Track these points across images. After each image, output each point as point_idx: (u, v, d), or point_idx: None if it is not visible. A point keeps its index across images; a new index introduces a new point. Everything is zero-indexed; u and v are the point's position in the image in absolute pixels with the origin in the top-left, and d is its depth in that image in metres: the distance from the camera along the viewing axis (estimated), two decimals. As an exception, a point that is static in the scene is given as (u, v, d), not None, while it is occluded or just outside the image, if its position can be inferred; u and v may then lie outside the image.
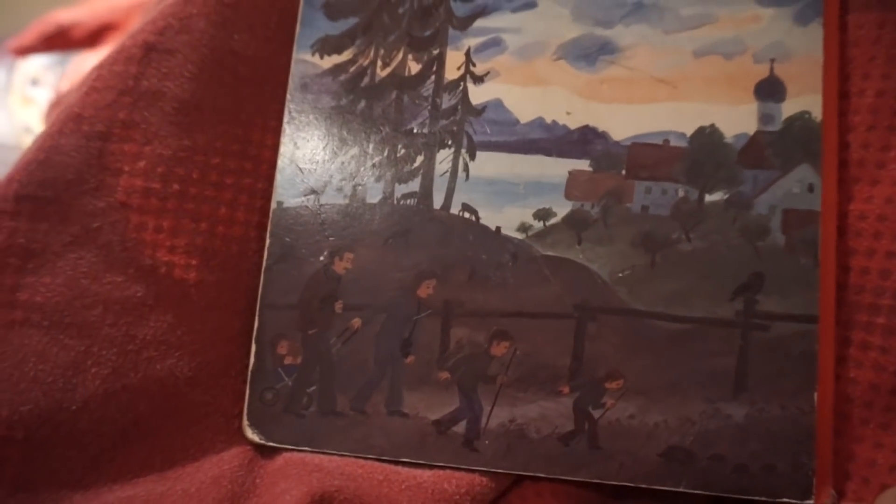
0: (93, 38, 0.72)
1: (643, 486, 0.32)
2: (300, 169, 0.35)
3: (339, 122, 0.36)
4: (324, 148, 0.35)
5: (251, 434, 0.33)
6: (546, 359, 0.33)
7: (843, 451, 0.32)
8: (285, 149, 0.35)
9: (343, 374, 0.34)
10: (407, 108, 0.36)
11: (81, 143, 0.33)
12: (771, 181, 0.34)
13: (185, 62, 0.34)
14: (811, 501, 0.31)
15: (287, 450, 0.33)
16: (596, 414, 0.33)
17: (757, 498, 0.32)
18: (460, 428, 0.33)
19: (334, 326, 0.34)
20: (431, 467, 0.33)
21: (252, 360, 0.34)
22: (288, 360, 0.34)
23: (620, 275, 0.33)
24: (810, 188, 0.33)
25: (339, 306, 0.34)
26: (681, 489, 0.32)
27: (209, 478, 0.31)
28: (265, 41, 0.36)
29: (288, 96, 0.36)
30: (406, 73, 0.36)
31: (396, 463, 0.33)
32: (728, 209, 0.34)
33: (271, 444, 0.33)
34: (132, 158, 0.33)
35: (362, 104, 0.36)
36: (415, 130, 0.35)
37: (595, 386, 0.33)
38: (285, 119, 0.36)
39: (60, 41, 0.73)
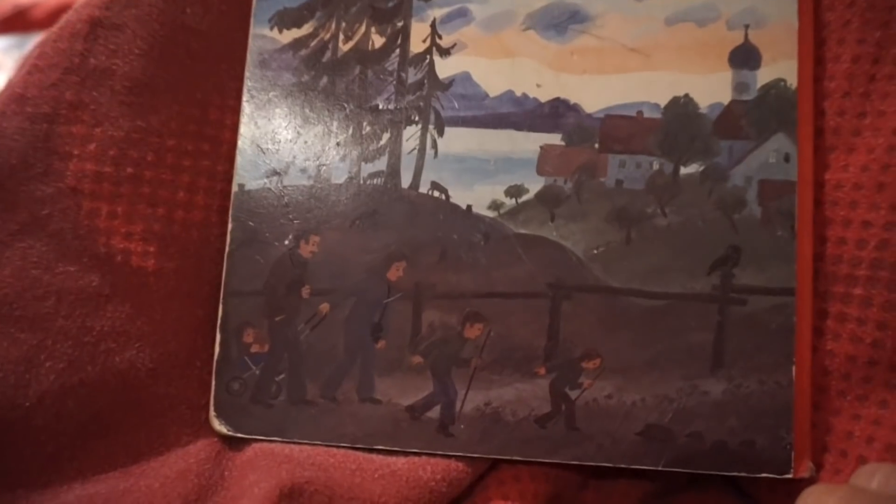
0: (53, 18, 0.69)
1: (622, 465, 0.31)
2: (261, 149, 0.34)
3: (301, 100, 0.34)
4: (286, 127, 0.34)
5: (218, 425, 0.32)
6: (521, 340, 0.32)
7: (821, 423, 0.32)
8: (245, 129, 0.34)
9: (312, 362, 0.32)
10: (371, 83, 0.34)
11: (25, 125, 0.31)
12: (746, 152, 0.33)
13: (135, 38, 0.32)
14: (790, 475, 0.31)
15: (256, 440, 0.32)
16: (573, 395, 0.32)
17: (736, 474, 0.31)
18: (434, 413, 0.32)
19: (302, 312, 0.33)
20: (406, 454, 0.32)
21: (217, 349, 0.33)
22: (255, 349, 0.33)
23: (595, 252, 0.33)
24: (786, 158, 0.33)
25: (306, 291, 0.33)
26: (660, 468, 0.31)
27: (175, 472, 0.30)
28: (220, 15, 0.34)
29: (246, 73, 0.34)
30: (369, 47, 0.34)
31: (370, 451, 0.32)
32: (704, 182, 0.33)
33: (240, 435, 0.32)
34: (82, 141, 0.31)
35: (325, 80, 0.34)
36: (380, 107, 0.34)
37: (572, 366, 0.32)
38: (244, 97, 0.34)
39: (19, 23, 0.70)
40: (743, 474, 0.31)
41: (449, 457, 0.31)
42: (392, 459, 0.31)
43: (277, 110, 0.34)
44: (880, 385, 0.31)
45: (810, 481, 0.31)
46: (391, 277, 0.33)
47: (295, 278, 0.33)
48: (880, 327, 0.30)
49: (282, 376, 0.33)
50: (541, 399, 0.32)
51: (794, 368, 0.31)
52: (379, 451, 0.32)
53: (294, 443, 0.32)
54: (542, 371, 0.32)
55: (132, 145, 0.32)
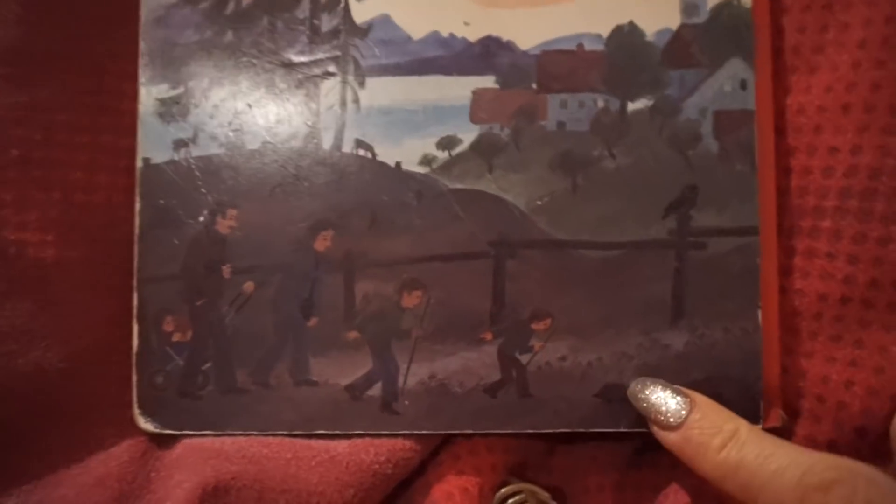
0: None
1: (580, 430, 0.29)
2: (165, 118, 0.30)
3: (205, 59, 0.31)
4: (190, 91, 0.30)
5: (144, 423, 0.30)
6: (464, 305, 0.30)
7: (793, 368, 0.29)
8: (145, 96, 0.30)
9: (240, 346, 0.30)
10: (282, 34, 0.31)
11: None
12: (699, 81, 0.30)
13: (8, 1, 0.29)
14: (759, 426, 0.29)
15: (187, 436, 0.30)
16: (524, 359, 0.29)
17: (704, 429, 0.29)
18: (376, 391, 0.30)
19: (224, 294, 0.30)
20: (349, 437, 0.29)
21: (135, 341, 0.30)
22: (176, 338, 0.30)
23: (539, 203, 0.30)
24: (743, 84, 0.30)
25: (227, 271, 0.30)
26: (622, 429, 0.29)
27: (93, 479, 0.27)
28: (105, -31, 0.31)
29: (141, 33, 0.30)
30: (276, -6, 0.31)
31: (309, 437, 0.29)
32: (654, 117, 0.30)
33: (168, 431, 0.30)
34: (-45, 123, 0.28)
35: (229, 35, 0.31)
36: (293, 60, 0.31)
37: (520, 329, 0.29)
38: (141, 61, 0.30)
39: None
40: (711, 429, 0.29)
41: (395, 436, 0.29)
42: (333, 444, 0.29)
43: (179, 73, 0.30)
44: (854, 323, 0.28)
45: (783, 430, 0.29)
46: (319, 248, 0.30)
47: (214, 257, 0.30)
48: (851, 261, 0.28)
49: (208, 365, 0.30)
50: (489, 367, 0.29)
51: (759, 312, 0.29)
52: (320, 437, 0.29)
53: (227, 435, 0.29)
54: (489, 336, 0.30)
55: (15, 123, 0.29)
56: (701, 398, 0.27)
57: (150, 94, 0.30)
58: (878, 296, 0.28)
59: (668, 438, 0.26)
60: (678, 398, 0.26)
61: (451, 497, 0.28)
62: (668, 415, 0.26)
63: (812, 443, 0.29)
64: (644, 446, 0.32)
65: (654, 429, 0.27)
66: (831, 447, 0.28)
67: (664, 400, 0.27)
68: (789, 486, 0.22)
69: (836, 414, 0.28)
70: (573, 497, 0.32)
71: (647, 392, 0.27)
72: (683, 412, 0.26)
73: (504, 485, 0.31)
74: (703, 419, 0.26)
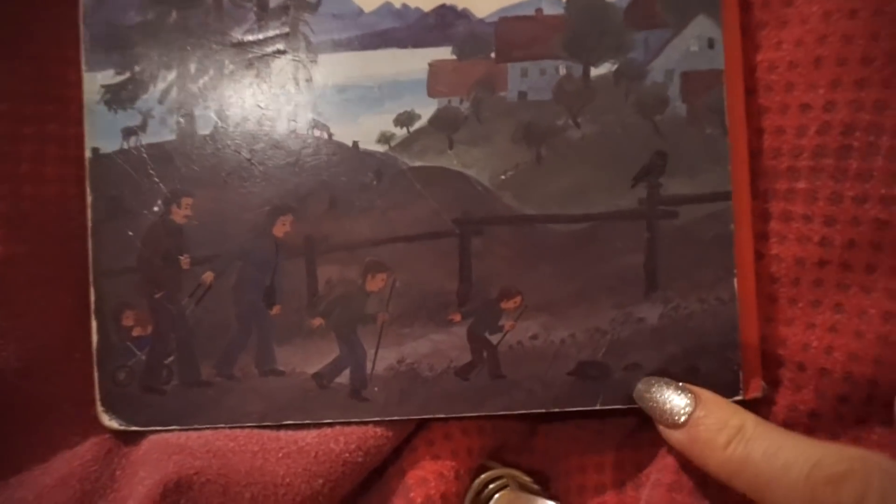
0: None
1: (555, 410, 0.28)
2: (111, 106, 0.29)
3: (150, 42, 0.29)
4: (136, 76, 0.29)
5: (108, 420, 0.29)
6: (430, 286, 0.29)
7: (773, 337, 0.29)
8: (89, 83, 0.29)
9: (203, 338, 0.29)
10: (228, 13, 0.29)
11: None
12: (664, 42, 0.29)
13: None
14: (740, 398, 0.28)
15: (153, 432, 0.29)
16: (494, 339, 0.29)
17: (682, 403, 0.28)
18: (344, 378, 0.29)
19: (184, 285, 0.29)
20: (318, 426, 0.29)
21: (95, 337, 0.29)
22: (137, 332, 0.29)
23: (503, 177, 0.29)
24: (710, 43, 0.28)
25: (185, 261, 0.29)
26: (597, 407, 0.28)
27: (54, 480, 0.27)
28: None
29: (81, 16, 0.29)
30: (220, -30, 0.29)
31: (278, 428, 0.29)
32: (619, 82, 0.29)
33: (133, 428, 0.29)
34: None
35: (174, 16, 0.29)
36: (242, 39, 0.29)
37: (489, 308, 0.29)
38: (83, 45, 0.29)
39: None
40: (689, 403, 0.28)
41: (365, 423, 0.28)
42: (301, 434, 0.28)
43: (124, 57, 0.29)
44: (832, 287, 0.27)
45: (765, 400, 0.28)
46: (278, 234, 0.29)
47: (171, 248, 0.29)
48: (828, 222, 0.27)
49: (171, 358, 0.29)
50: (459, 348, 0.29)
51: (735, 281, 0.28)
52: (288, 427, 0.29)
53: (193, 429, 0.29)
54: (458, 317, 0.29)
55: (-45, 117, 0.28)
56: (706, 394, 0.26)
57: (94, 81, 0.29)
58: (855, 256, 0.27)
59: (674, 437, 0.26)
60: (682, 395, 0.26)
61: (426, 482, 0.28)
62: (673, 413, 0.26)
63: (794, 412, 0.28)
64: (628, 423, 0.31)
65: (661, 428, 0.26)
66: (813, 416, 0.28)
67: (668, 398, 0.26)
68: (798, 482, 0.22)
69: (818, 381, 0.27)
70: (556, 478, 0.31)
71: (652, 391, 0.27)
72: (688, 409, 0.25)
73: (483, 470, 0.30)
74: (707, 416, 0.25)
